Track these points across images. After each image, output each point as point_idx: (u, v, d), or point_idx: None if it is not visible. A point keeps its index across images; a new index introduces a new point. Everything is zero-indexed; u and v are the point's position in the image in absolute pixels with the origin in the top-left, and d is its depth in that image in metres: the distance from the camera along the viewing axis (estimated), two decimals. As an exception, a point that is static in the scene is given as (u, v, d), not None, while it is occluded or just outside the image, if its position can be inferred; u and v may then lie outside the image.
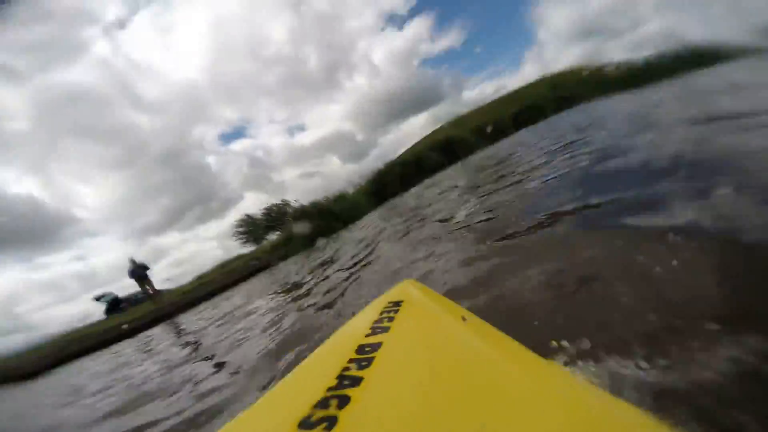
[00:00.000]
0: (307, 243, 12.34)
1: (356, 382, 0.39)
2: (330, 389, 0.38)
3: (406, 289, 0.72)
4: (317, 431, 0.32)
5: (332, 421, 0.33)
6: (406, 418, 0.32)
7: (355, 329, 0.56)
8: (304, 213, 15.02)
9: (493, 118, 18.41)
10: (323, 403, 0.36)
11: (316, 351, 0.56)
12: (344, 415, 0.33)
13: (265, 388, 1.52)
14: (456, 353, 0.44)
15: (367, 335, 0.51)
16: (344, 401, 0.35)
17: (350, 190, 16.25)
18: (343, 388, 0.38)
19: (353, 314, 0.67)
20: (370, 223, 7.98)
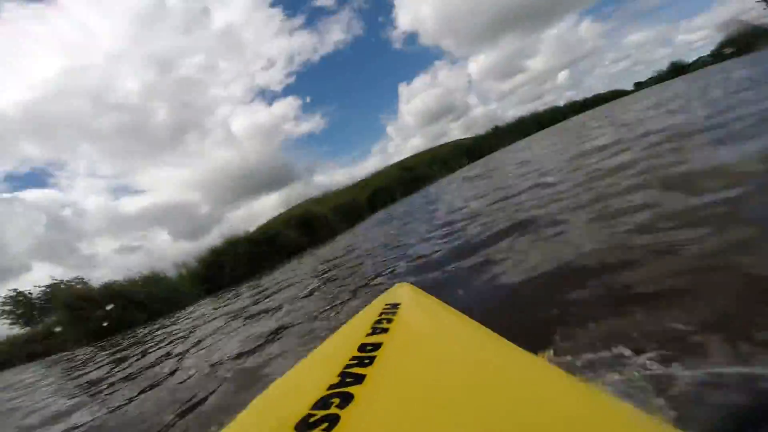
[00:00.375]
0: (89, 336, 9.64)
1: (359, 379, 0.39)
2: (332, 387, 0.38)
3: (402, 292, 0.74)
4: (319, 430, 0.32)
5: (334, 419, 0.33)
6: (408, 415, 0.33)
7: (355, 329, 0.56)
8: (85, 297, 11.83)
9: (350, 200, 19.10)
10: (325, 401, 0.36)
11: (317, 349, 0.55)
12: (347, 414, 0.34)
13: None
14: (454, 352, 0.46)
15: (368, 335, 0.52)
16: (347, 399, 0.36)
17: (180, 271, 13.69)
18: (345, 385, 0.38)
19: (352, 315, 0.67)
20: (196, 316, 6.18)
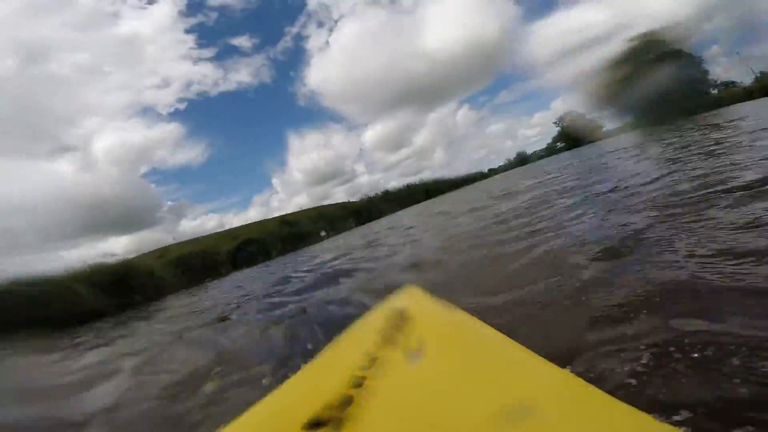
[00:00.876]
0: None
1: (362, 383, 0.40)
2: (336, 390, 0.39)
3: (409, 295, 0.73)
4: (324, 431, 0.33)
5: (339, 422, 0.34)
6: (411, 419, 0.34)
7: (360, 333, 0.56)
8: None
9: (200, 252, 16.41)
10: (330, 405, 0.36)
11: (322, 354, 0.53)
12: (351, 417, 0.34)
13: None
14: (460, 356, 0.47)
15: (373, 338, 0.51)
16: (351, 402, 0.37)
17: None
18: (349, 389, 0.39)
19: (357, 319, 0.66)
20: None
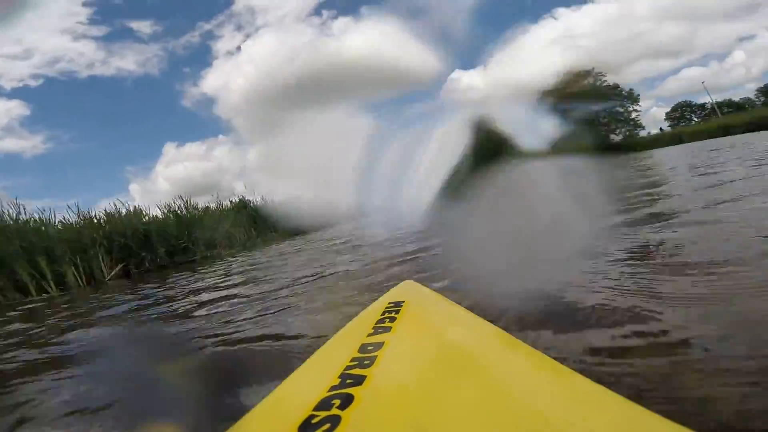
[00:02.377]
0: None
1: (360, 380, 0.40)
2: (333, 388, 0.39)
3: (407, 289, 0.72)
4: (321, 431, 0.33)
5: (336, 420, 0.33)
6: (410, 416, 0.33)
7: (356, 329, 0.55)
8: None
9: None
10: (326, 403, 0.36)
11: (318, 351, 0.52)
12: (348, 415, 0.34)
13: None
14: (458, 351, 0.46)
15: (369, 334, 0.51)
16: (348, 400, 0.36)
17: None
18: (346, 387, 0.39)
19: (354, 315, 0.64)
20: None
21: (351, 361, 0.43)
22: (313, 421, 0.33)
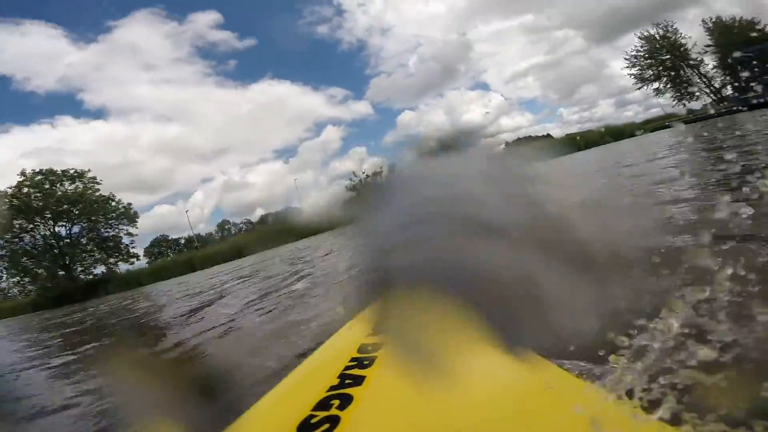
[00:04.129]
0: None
1: (359, 381, 0.39)
2: (332, 388, 0.38)
3: (401, 290, 0.69)
4: (320, 431, 0.32)
5: (335, 421, 0.33)
6: (408, 416, 0.33)
7: (354, 330, 0.52)
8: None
9: None
10: (325, 403, 0.36)
11: (317, 351, 0.51)
12: (347, 415, 0.34)
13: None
14: (457, 351, 0.46)
15: (368, 335, 0.49)
16: (347, 400, 0.36)
17: None
18: (345, 387, 0.38)
19: (352, 317, 0.61)
20: None
21: (350, 361, 0.43)
22: (312, 420, 0.32)
